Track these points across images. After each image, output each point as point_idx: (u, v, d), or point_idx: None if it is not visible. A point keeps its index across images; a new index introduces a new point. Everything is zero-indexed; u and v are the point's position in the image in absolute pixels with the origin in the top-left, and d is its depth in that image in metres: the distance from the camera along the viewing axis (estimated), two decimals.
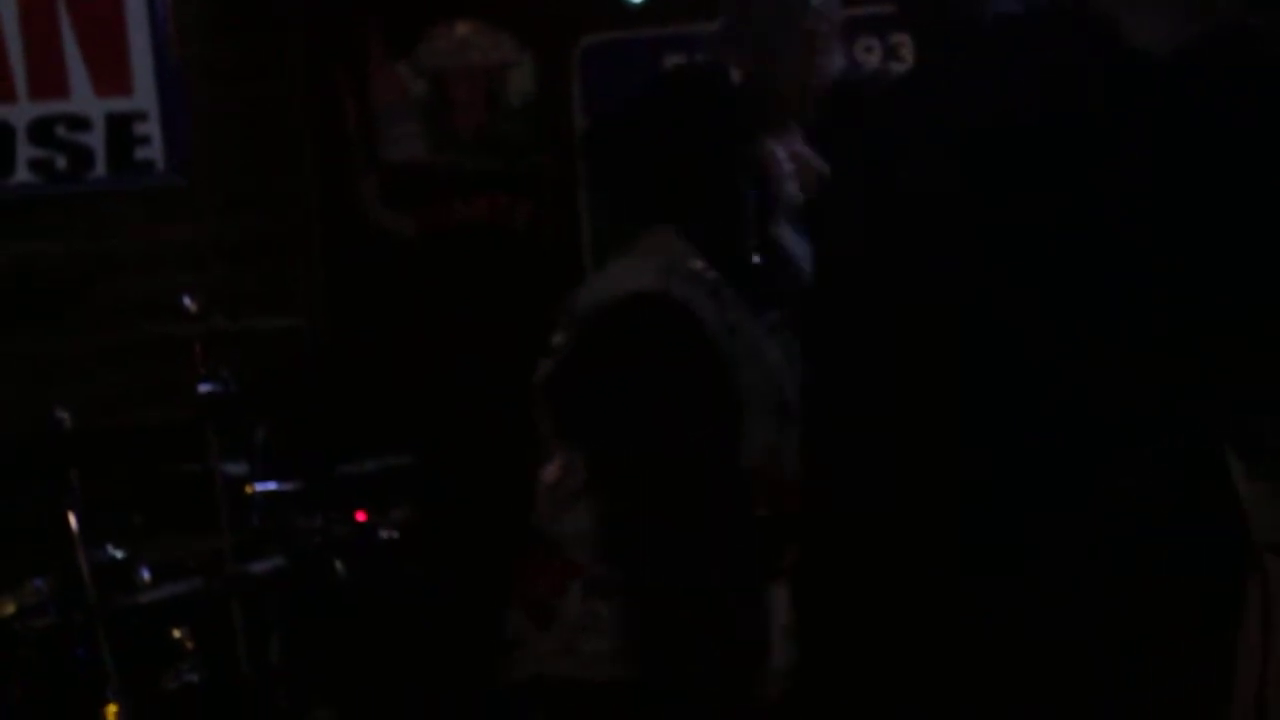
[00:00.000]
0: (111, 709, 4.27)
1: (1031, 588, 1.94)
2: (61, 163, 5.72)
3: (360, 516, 4.91)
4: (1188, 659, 1.86)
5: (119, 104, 5.78)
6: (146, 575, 4.58)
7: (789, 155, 3.95)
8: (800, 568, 2.62)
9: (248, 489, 4.84)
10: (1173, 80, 1.85)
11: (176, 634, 4.50)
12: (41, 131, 5.67)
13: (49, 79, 5.66)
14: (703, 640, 2.58)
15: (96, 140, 5.76)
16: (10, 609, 4.38)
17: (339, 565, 4.74)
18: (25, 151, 5.65)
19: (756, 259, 2.88)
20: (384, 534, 4.89)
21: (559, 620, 2.68)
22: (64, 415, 4.65)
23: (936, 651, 2.05)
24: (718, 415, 2.64)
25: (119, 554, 4.63)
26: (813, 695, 2.63)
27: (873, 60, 5.51)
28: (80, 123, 5.73)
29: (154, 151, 5.86)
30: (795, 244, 4.23)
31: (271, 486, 4.89)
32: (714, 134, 2.83)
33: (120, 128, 5.79)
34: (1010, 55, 2.08)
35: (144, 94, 5.81)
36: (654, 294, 2.66)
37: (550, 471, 2.75)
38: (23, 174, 5.66)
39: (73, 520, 4.42)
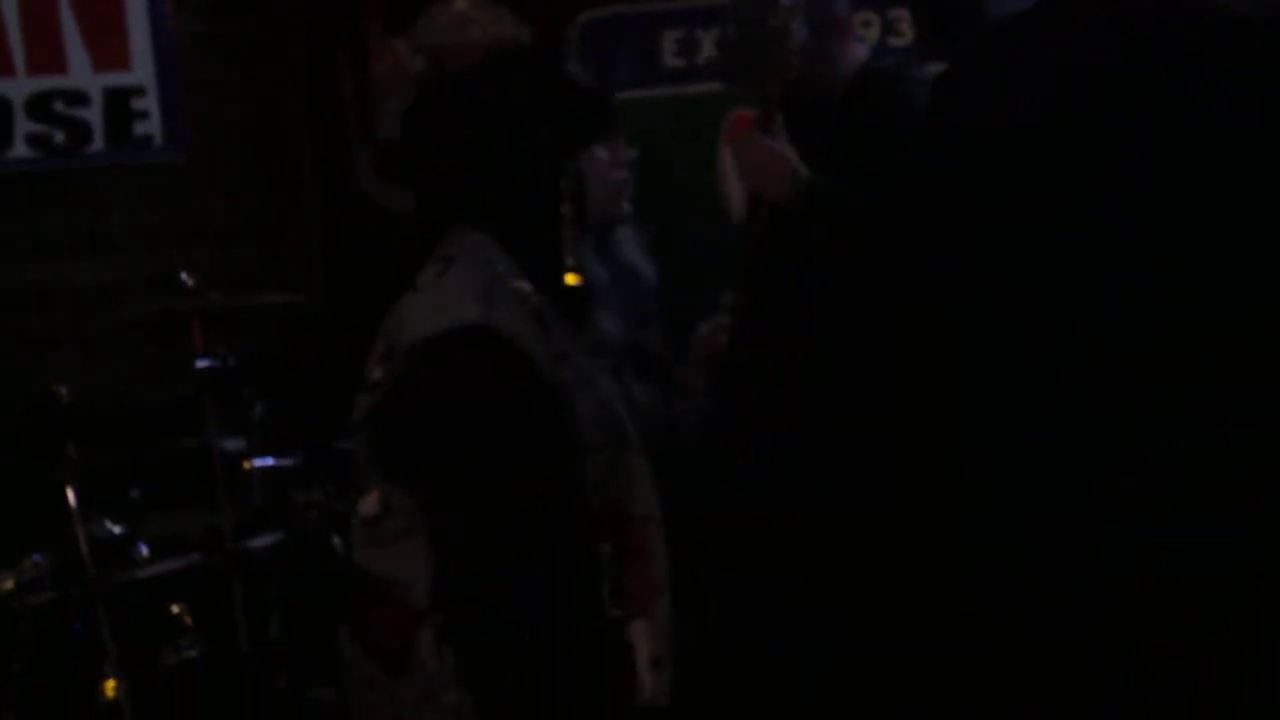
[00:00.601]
0: (110, 684, 4.26)
1: (1031, 588, 1.94)
2: (60, 138, 5.72)
3: None
4: (1188, 659, 1.85)
5: (117, 79, 5.78)
6: (145, 551, 4.57)
7: (617, 165, 3.91)
8: (799, 568, 2.60)
9: (246, 465, 4.84)
10: (1174, 78, 1.84)
11: (175, 610, 4.51)
12: (40, 106, 5.68)
13: (47, 54, 5.66)
14: (556, 683, 2.47)
15: (94, 115, 5.76)
16: (9, 584, 4.35)
17: (337, 541, 4.71)
18: (23, 127, 5.65)
19: (576, 279, 2.70)
20: None
21: (414, 670, 2.53)
22: (62, 390, 4.65)
23: (936, 651, 2.05)
24: (551, 451, 2.52)
25: (117, 530, 4.62)
26: (817, 693, 2.62)
27: (871, 35, 5.50)
28: (78, 98, 5.73)
29: (152, 127, 5.86)
30: (636, 258, 4.21)
31: (269, 462, 4.88)
32: (544, 130, 2.65)
33: (118, 103, 5.79)
34: (1012, 54, 2.06)
35: (142, 69, 5.81)
36: (478, 328, 2.51)
37: (368, 504, 2.60)
38: (20, 149, 5.66)
39: (71, 496, 4.41)
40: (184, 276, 4.73)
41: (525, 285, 2.61)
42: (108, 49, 5.75)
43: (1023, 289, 1.91)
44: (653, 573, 2.58)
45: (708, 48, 5.59)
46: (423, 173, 2.73)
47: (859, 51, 3.77)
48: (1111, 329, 1.85)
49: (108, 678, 4.27)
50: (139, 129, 5.83)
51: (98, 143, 5.78)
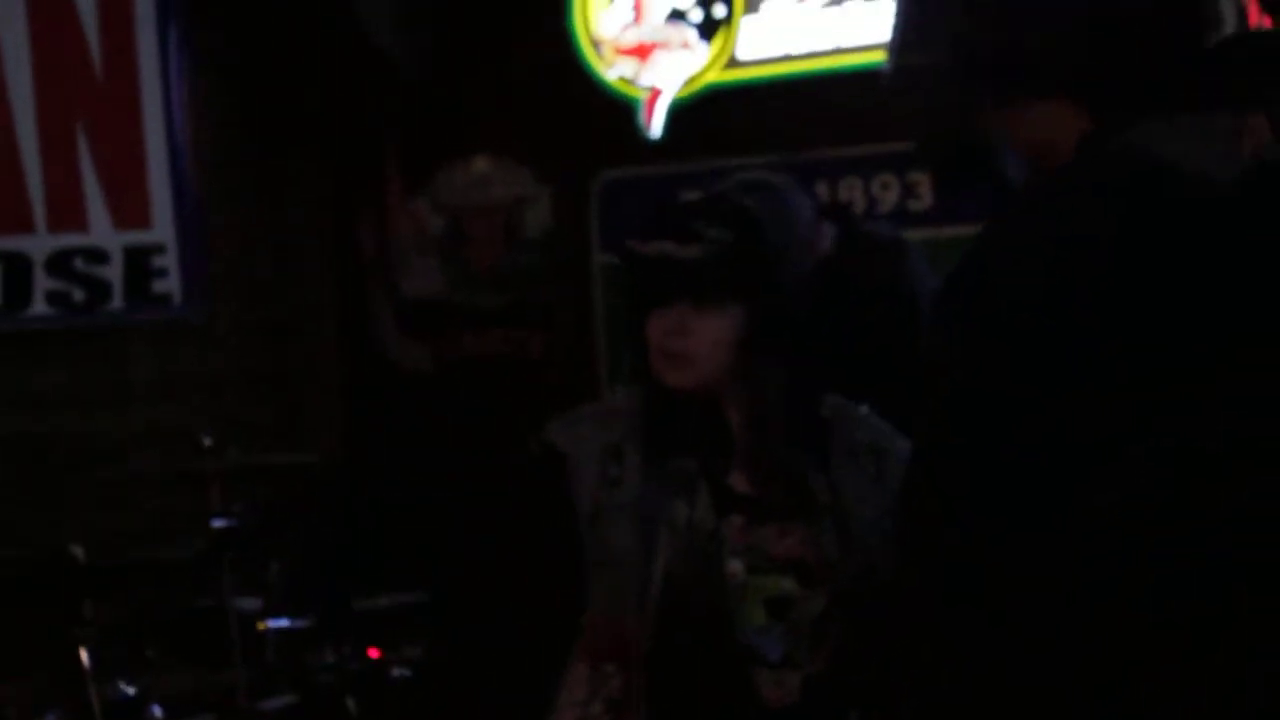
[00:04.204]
0: None
1: (1014, 627, 1.93)
2: (79, 295, 5.75)
3: (374, 653, 4.87)
4: (1178, 686, 1.81)
5: (137, 237, 5.82)
6: (159, 712, 4.56)
7: None
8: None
9: (260, 625, 4.81)
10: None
11: None
12: (60, 264, 5.71)
13: (68, 211, 5.71)
14: None
15: (114, 273, 5.79)
16: None
17: (351, 703, 4.71)
18: (43, 284, 5.68)
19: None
20: (397, 671, 4.86)
21: None
22: (78, 550, 4.65)
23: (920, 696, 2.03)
24: (550, 567, 2.77)
25: (131, 690, 4.60)
26: None
27: (890, 198, 5.55)
28: (98, 255, 5.77)
29: (171, 284, 5.89)
30: None
31: (284, 623, 4.86)
32: None
33: (138, 261, 5.83)
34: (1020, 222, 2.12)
35: (162, 227, 5.86)
36: (546, 444, 2.79)
37: None
38: (40, 306, 5.69)
39: (85, 655, 4.41)
40: (204, 439, 4.73)
41: (631, 417, 2.81)
42: (128, 207, 5.80)
43: (992, 342, 1.94)
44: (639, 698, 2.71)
45: None
46: None
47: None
48: (1077, 380, 1.86)
49: None
50: (158, 286, 5.86)
51: (117, 300, 5.80)
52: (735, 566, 2.66)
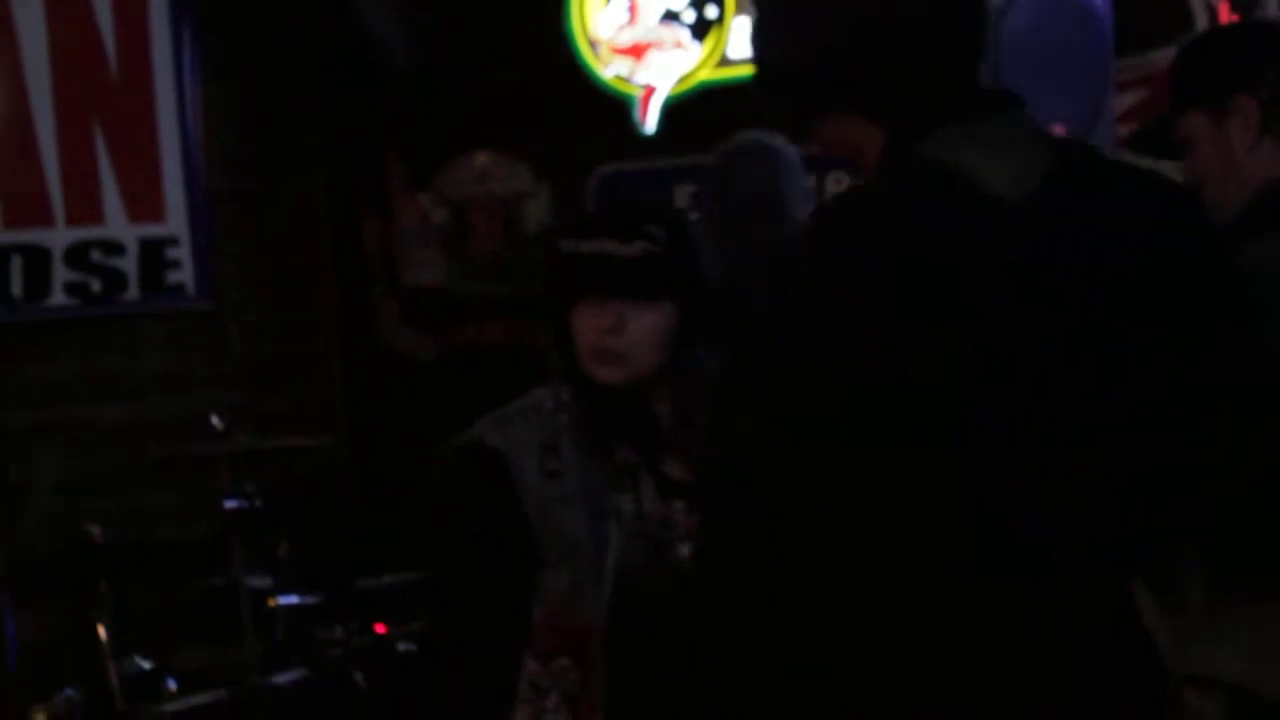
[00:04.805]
0: None
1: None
2: (96, 286, 5.82)
3: (379, 628, 4.93)
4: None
5: (151, 230, 5.90)
6: (173, 685, 4.63)
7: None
8: None
9: (271, 602, 4.87)
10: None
11: None
12: (77, 256, 5.78)
13: (86, 206, 5.78)
14: None
15: (130, 264, 5.87)
16: (42, 718, 4.45)
17: (359, 676, 4.77)
18: (62, 275, 5.74)
19: None
20: (402, 646, 4.91)
21: None
22: (96, 529, 4.78)
23: None
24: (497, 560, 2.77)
25: (147, 665, 4.68)
26: None
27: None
28: (115, 248, 5.84)
29: (184, 275, 5.98)
30: None
31: (294, 600, 4.92)
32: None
33: (152, 253, 5.91)
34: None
35: (175, 221, 5.94)
36: (473, 444, 2.80)
37: None
38: (59, 296, 5.75)
39: (102, 632, 4.52)
40: (213, 420, 4.81)
41: (561, 414, 2.81)
42: (143, 202, 5.88)
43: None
44: (597, 689, 2.71)
45: None
46: None
47: None
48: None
49: None
50: (172, 278, 5.96)
51: (133, 290, 5.89)
52: (686, 551, 2.66)
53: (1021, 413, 1.75)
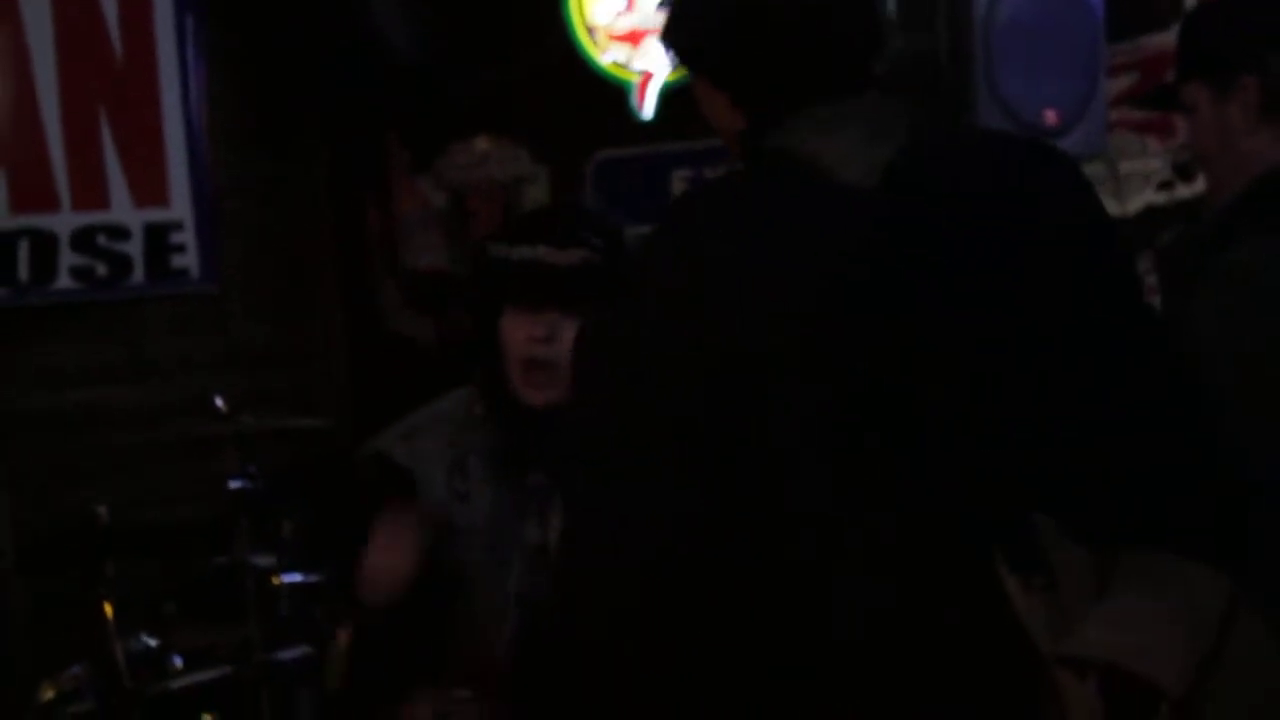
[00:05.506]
0: None
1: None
2: (102, 270, 5.84)
3: None
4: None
5: (156, 214, 5.92)
6: (178, 662, 4.65)
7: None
8: None
9: (275, 580, 4.88)
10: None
11: (207, 718, 4.59)
12: (83, 240, 5.79)
13: (91, 191, 5.80)
14: None
15: (135, 249, 5.89)
16: (50, 694, 4.48)
17: None
18: (67, 259, 5.76)
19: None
20: None
21: None
22: (102, 510, 4.80)
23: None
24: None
25: (152, 642, 4.71)
26: None
27: None
28: (120, 232, 5.86)
29: (189, 260, 5.99)
30: None
31: (297, 578, 4.94)
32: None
33: (157, 237, 5.93)
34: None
35: (180, 205, 5.96)
36: (379, 457, 2.76)
37: None
38: (65, 280, 5.77)
39: (109, 610, 4.54)
40: (218, 401, 4.83)
41: (474, 430, 2.73)
42: (148, 186, 5.91)
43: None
44: None
45: None
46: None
47: None
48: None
49: None
50: (176, 262, 5.98)
51: (138, 274, 5.91)
52: None
53: (827, 404, 1.75)
